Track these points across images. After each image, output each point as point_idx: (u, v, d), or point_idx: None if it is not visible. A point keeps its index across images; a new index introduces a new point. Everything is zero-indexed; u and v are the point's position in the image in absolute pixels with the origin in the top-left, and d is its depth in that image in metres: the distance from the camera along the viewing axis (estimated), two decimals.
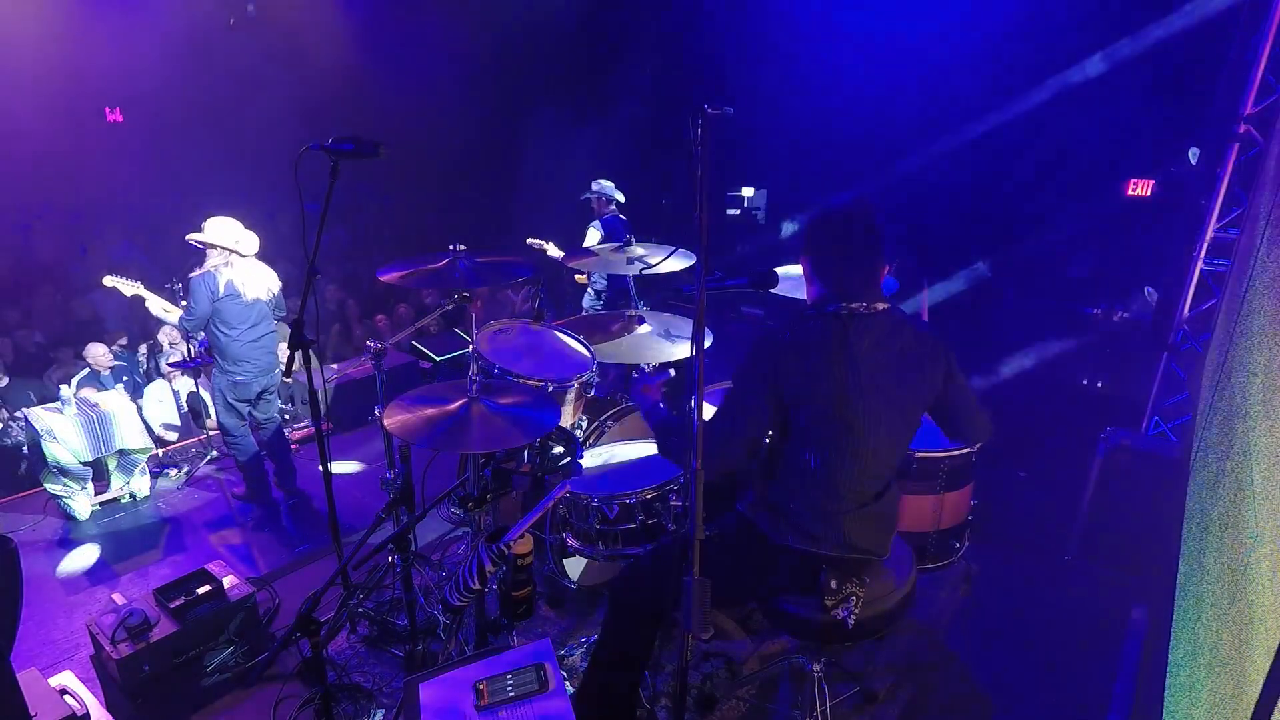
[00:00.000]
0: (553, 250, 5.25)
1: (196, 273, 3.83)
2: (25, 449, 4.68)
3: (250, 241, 3.88)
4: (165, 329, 5.80)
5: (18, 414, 5.02)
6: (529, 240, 5.37)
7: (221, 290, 3.80)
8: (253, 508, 4.28)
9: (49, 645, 3.13)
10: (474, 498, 2.60)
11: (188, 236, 3.84)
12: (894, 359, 1.91)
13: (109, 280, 4.11)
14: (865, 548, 2.00)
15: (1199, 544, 1.93)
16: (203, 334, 4.09)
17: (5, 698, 1.71)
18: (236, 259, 3.83)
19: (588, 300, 5.96)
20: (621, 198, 5.78)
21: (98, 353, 5.41)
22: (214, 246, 3.79)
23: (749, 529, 2.07)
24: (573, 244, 5.70)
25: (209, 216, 3.84)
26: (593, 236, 5.55)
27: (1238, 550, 1.31)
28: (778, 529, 2.00)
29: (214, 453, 4.91)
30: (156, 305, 4.06)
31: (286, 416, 5.21)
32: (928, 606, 3.27)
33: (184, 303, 4.01)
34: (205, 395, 5.24)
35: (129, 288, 4.09)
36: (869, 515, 1.99)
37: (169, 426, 5.41)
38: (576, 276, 5.94)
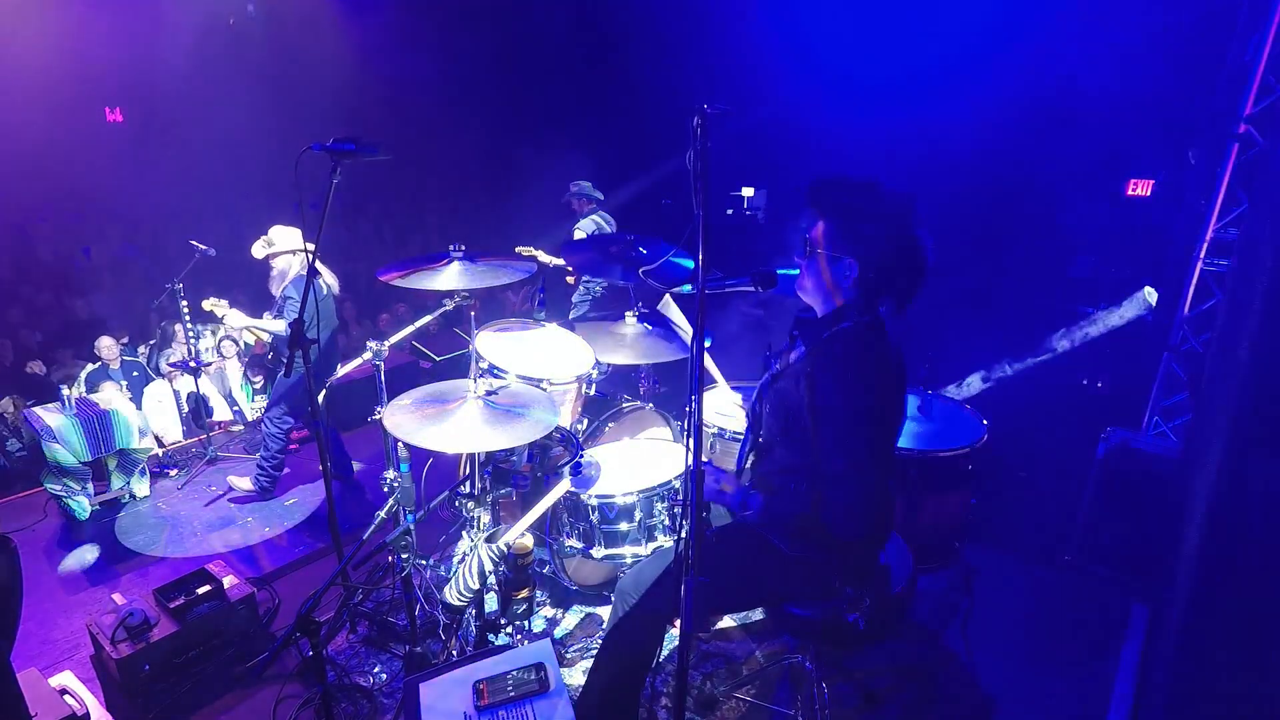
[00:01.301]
0: (544, 257, 5.25)
1: (289, 280, 3.87)
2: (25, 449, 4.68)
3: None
4: (175, 325, 5.83)
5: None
6: (518, 249, 5.38)
7: (324, 290, 3.90)
8: (252, 508, 4.28)
9: (49, 645, 3.13)
10: (474, 498, 2.60)
11: (263, 254, 3.90)
12: (896, 351, 1.91)
13: (208, 304, 4.00)
14: (877, 534, 2.00)
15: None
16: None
17: (5, 698, 1.71)
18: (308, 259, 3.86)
19: (577, 297, 5.95)
20: (600, 196, 5.79)
21: (106, 344, 5.43)
22: (293, 252, 3.87)
23: (758, 539, 2.03)
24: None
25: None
26: (577, 238, 5.56)
27: None
28: (794, 542, 1.97)
29: (214, 452, 4.91)
30: (244, 323, 3.93)
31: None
32: (928, 606, 3.27)
33: (283, 312, 3.93)
34: (209, 393, 5.24)
35: (221, 309, 3.98)
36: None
37: (169, 427, 5.41)
38: (567, 279, 5.93)
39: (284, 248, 3.89)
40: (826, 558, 1.95)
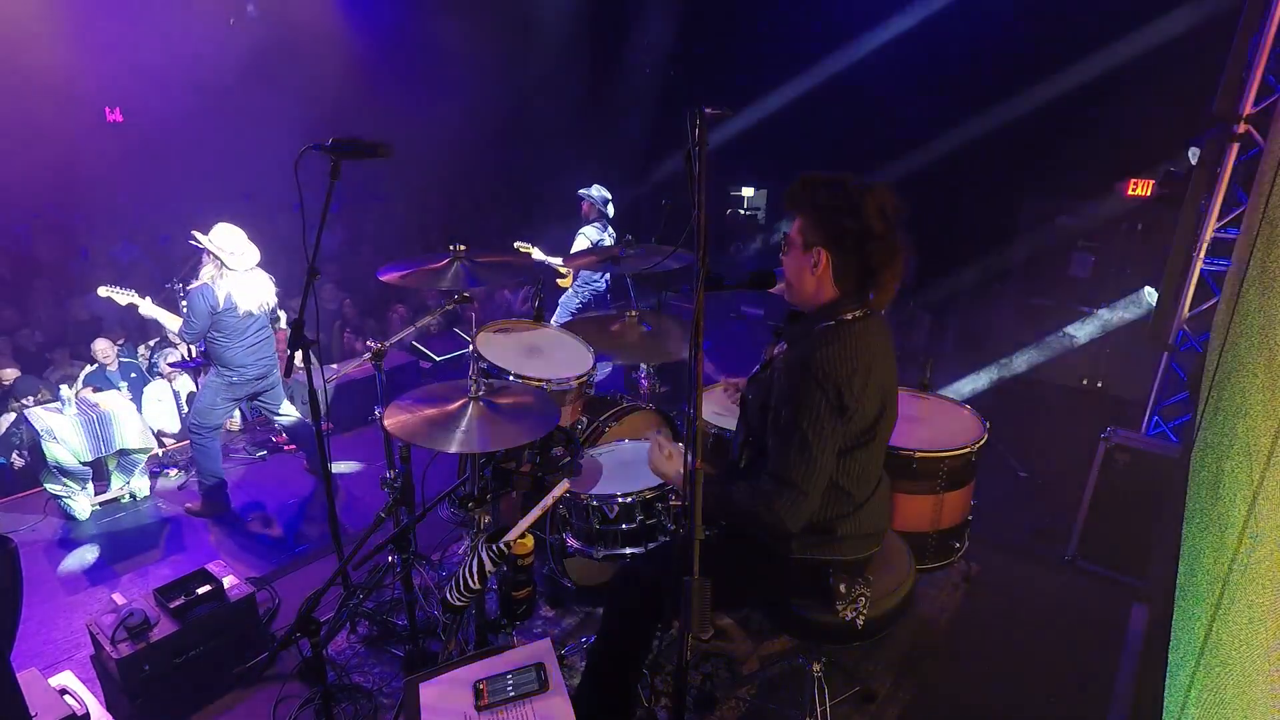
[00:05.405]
0: (539, 254, 5.21)
1: (194, 285, 3.83)
2: (25, 448, 4.67)
3: (247, 257, 3.86)
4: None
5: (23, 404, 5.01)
6: (517, 244, 5.36)
7: (221, 304, 3.81)
8: (252, 508, 4.28)
9: (49, 645, 3.13)
10: (474, 498, 2.60)
11: (192, 239, 3.84)
12: (888, 349, 1.90)
13: (104, 291, 4.09)
14: (875, 532, 2.00)
15: (1199, 544, 1.92)
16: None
17: (5, 698, 1.70)
18: (229, 271, 3.83)
19: (566, 298, 5.91)
20: (610, 211, 5.67)
21: (103, 346, 5.42)
22: (210, 252, 3.79)
23: (752, 540, 2.02)
24: (566, 245, 5.67)
25: (218, 220, 3.83)
26: (581, 242, 5.52)
27: (1238, 550, 1.31)
28: (788, 543, 1.96)
29: None
30: (152, 313, 4.03)
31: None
32: (928, 606, 3.27)
33: (184, 312, 3.96)
34: None
35: (124, 298, 4.06)
36: (876, 499, 2.00)
37: (168, 427, 5.41)
38: (559, 281, 5.89)
39: (208, 244, 3.78)
40: (818, 555, 1.95)
